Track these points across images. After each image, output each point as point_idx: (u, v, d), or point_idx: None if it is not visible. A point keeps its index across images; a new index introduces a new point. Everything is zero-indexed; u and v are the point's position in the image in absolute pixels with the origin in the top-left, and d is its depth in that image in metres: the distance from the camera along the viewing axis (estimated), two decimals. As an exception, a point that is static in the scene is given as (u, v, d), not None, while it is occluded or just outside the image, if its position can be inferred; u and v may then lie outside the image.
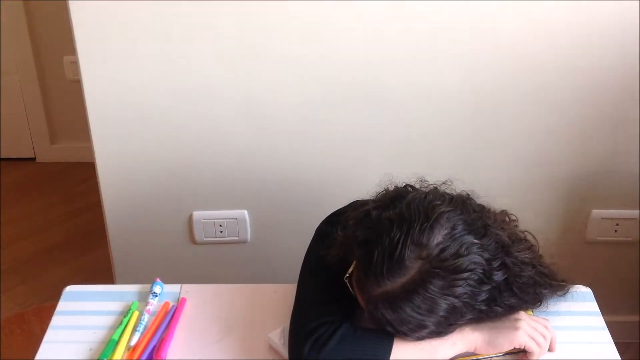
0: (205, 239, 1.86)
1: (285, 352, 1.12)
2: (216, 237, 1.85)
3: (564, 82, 1.65)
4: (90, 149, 1.70)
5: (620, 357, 1.16)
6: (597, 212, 1.85)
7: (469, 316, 1.02)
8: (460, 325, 1.05)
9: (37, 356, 1.16)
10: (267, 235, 1.86)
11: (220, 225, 1.84)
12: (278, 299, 1.26)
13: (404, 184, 1.12)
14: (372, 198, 1.15)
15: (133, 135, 1.69)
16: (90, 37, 1.55)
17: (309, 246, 1.21)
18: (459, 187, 1.11)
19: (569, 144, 1.74)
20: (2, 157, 3.00)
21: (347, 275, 1.06)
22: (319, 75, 1.62)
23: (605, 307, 1.26)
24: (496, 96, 1.66)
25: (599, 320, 1.23)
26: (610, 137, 1.73)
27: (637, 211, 1.84)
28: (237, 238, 1.86)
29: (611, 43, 1.60)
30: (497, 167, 1.76)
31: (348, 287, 1.07)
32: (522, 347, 1.09)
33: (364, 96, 1.66)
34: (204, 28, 1.56)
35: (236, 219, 1.83)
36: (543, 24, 1.57)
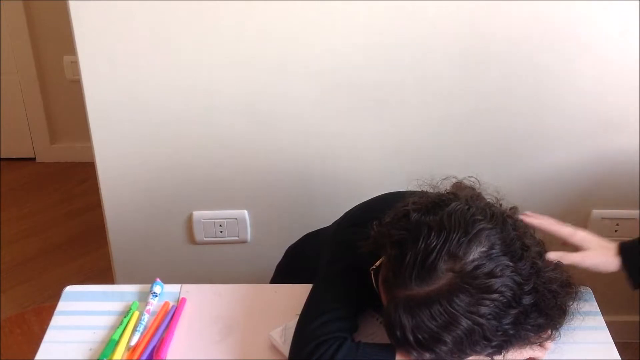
0: (205, 239, 1.86)
1: (286, 351, 1.12)
2: (216, 237, 1.86)
3: (563, 83, 1.65)
4: (90, 149, 1.70)
5: (620, 357, 1.16)
6: (597, 212, 1.85)
7: (494, 342, 0.98)
8: (480, 353, 1.01)
9: (37, 356, 1.16)
10: (267, 235, 1.86)
11: (220, 225, 1.84)
12: (278, 299, 1.26)
13: (446, 190, 1.10)
14: (408, 191, 1.14)
15: (133, 135, 1.69)
16: (90, 37, 1.55)
17: (334, 254, 1.19)
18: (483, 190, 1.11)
19: (569, 144, 1.74)
20: (2, 157, 3.00)
21: (374, 267, 1.05)
22: (320, 75, 1.62)
23: (605, 307, 1.26)
24: (496, 96, 1.66)
25: (599, 320, 1.23)
26: (610, 137, 1.73)
27: (637, 211, 1.84)
28: (237, 238, 1.86)
29: (611, 43, 1.60)
30: (497, 167, 1.76)
31: (364, 297, 1.07)
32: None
33: (364, 96, 1.66)
34: (204, 27, 1.56)
35: (236, 219, 1.83)
36: (543, 24, 1.57)
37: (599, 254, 1.17)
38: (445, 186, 1.11)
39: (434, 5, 1.54)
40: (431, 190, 1.12)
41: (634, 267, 1.13)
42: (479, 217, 0.99)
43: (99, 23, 1.54)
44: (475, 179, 1.12)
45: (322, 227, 1.45)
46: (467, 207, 1.01)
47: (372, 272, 1.06)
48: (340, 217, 1.29)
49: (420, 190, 1.13)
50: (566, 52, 1.61)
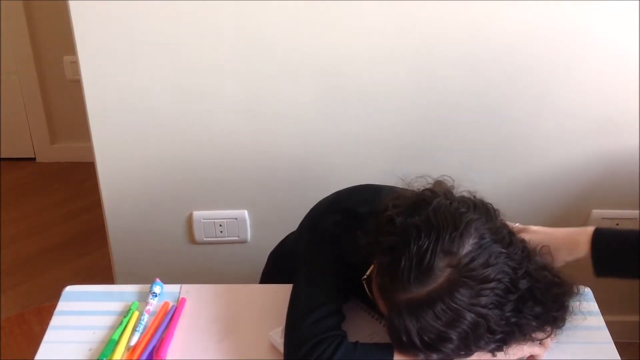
0: (205, 239, 1.86)
1: (286, 352, 1.12)
2: (216, 237, 1.85)
3: (563, 83, 1.65)
4: (90, 149, 1.70)
5: (620, 357, 1.16)
6: (597, 212, 1.85)
7: (498, 334, 0.99)
8: (484, 348, 1.01)
9: (37, 356, 1.16)
10: (267, 235, 1.85)
11: (220, 225, 1.84)
12: (278, 299, 1.26)
13: (423, 188, 1.09)
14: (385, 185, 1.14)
15: (133, 135, 1.69)
16: (90, 37, 1.55)
17: (314, 245, 1.18)
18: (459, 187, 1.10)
19: (569, 144, 1.74)
20: (2, 157, 3.00)
21: (365, 277, 1.06)
22: (319, 76, 1.62)
23: (605, 307, 1.26)
24: (496, 96, 1.66)
25: (599, 320, 1.23)
26: (610, 137, 1.73)
27: (637, 211, 1.84)
28: (237, 238, 1.86)
29: (611, 43, 1.60)
30: (497, 167, 1.76)
31: (350, 293, 1.06)
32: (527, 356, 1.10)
33: (364, 96, 1.66)
34: (204, 28, 1.56)
35: (236, 219, 1.83)
36: (543, 24, 1.57)
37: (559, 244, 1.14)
38: (419, 184, 1.10)
39: (432, 7, 1.54)
40: (405, 187, 1.11)
41: (602, 255, 1.11)
42: (464, 210, 1.00)
43: (99, 23, 1.54)
44: (449, 177, 1.11)
45: None
46: (448, 202, 1.02)
47: (364, 281, 1.06)
48: (311, 210, 1.27)
49: (396, 186, 1.12)
50: (566, 52, 1.61)
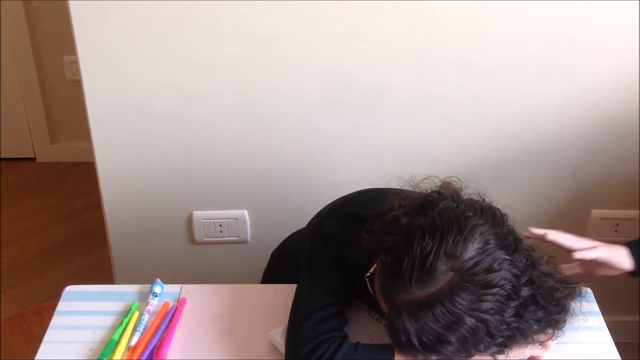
0: (205, 239, 1.86)
1: (286, 352, 1.12)
2: (216, 237, 1.86)
3: (564, 83, 1.65)
4: (90, 149, 1.70)
5: (620, 357, 1.16)
6: (597, 212, 1.85)
7: (498, 339, 0.98)
8: (484, 352, 1.01)
9: (37, 356, 1.16)
10: (267, 235, 1.86)
11: (220, 225, 1.84)
12: (278, 299, 1.26)
13: (431, 190, 1.09)
14: (390, 188, 1.15)
15: (133, 135, 1.69)
16: (90, 37, 1.55)
17: (317, 248, 1.18)
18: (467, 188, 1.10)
19: (569, 144, 1.73)
20: (2, 157, 3.00)
21: (368, 275, 1.05)
22: (319, 76, 1.62)
23: (605, 307, 1.26)
24: (496, 97, 1.66)
25: (599, 320, 1.23)
26: (610, 138, 1.73)
27: (637, 211, 1.84)
28: (237, 238, 1.86)
29: (611, 44, 1.60)
30: (497, 167, 1.76)
31: (352, 293, 1.06)
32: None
33: (364, 97, 1.66)
34: (204, 28, 1.56)
35: (236, 219, 1.83)
36: (544, 26, 1.57)
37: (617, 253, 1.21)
38: (425, 186, 1.10)
39: (435, 8, 1.54)
40: (411, 189, 1.11)
41: None
42: (470, 214, 0.99)
43: (99, 23, 1.54)
44: (457, 178, 1.11)
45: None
46: (455, 204, 1.01)
47: (366, 279, 1.06)
48: (316, 214, 1.28)
49: (401, 188, 1.12)
50: (566, 53, 1.61)
